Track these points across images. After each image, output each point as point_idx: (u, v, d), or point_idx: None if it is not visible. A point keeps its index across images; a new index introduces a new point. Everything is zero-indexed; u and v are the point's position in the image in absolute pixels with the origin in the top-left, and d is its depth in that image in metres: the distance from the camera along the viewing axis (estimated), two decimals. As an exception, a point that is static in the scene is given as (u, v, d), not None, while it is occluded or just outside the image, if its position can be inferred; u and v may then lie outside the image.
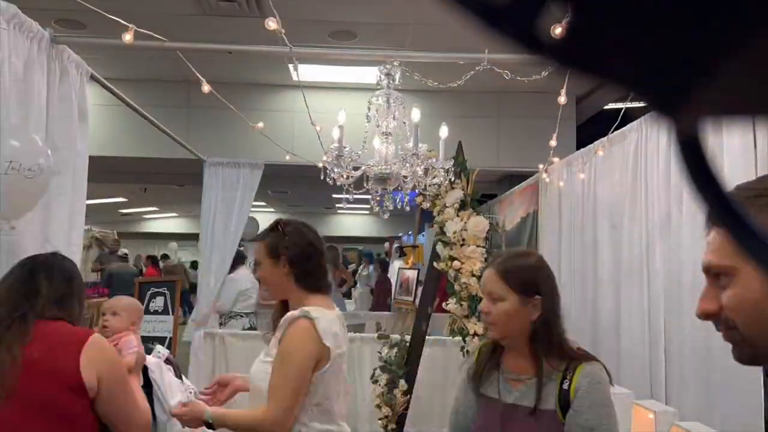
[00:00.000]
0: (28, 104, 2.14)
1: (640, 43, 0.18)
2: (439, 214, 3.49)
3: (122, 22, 2.42)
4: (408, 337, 3.79)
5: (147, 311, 4.72)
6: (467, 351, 3.37)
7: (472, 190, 3.49)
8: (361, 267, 9.43)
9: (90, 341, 1.63)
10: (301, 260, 1.79)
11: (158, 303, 4.74)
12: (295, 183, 9.49)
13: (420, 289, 4.93)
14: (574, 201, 4.10)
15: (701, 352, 2.55)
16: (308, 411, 1.68)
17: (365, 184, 3.25)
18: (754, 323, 0.72)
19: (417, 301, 5.22)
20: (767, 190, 0.65)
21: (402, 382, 3.61)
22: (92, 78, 2.63)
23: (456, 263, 3.38)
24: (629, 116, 3.34)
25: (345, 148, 3.17)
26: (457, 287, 3.38)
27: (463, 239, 3.38)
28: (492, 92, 6.18)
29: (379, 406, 3.62)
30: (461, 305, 3.38)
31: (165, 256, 14.62)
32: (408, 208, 3.41)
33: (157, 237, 17.72)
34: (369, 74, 4.84)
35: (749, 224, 0.19)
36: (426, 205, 3.53)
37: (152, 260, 12.43)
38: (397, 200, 3.26)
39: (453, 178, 3.40)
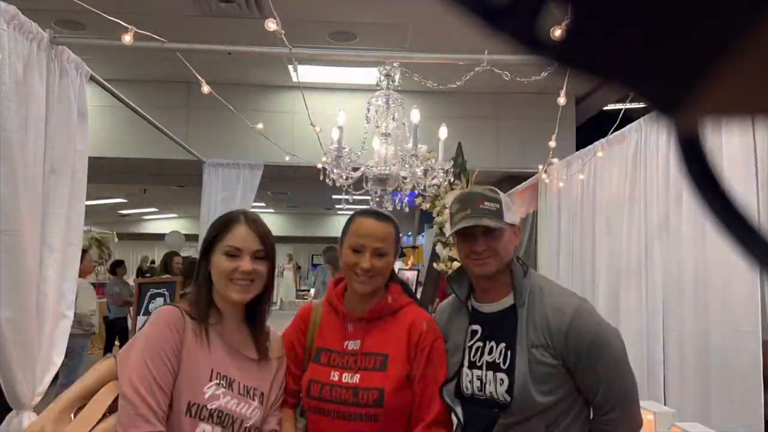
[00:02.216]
0: (27, 105, 2.14)
1: (641, 43, 0.18)
2: (438, 215, 3.50)
3: (122, 23, 2.43)
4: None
5: (146, 312, 4.72)
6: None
7: (471, 191, 3.49)
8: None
9: None
10: None
11: (158, 304, 4.74)
12: (295, 184, 9.49)
13: (420, 289, 4.93)
14: (574, 202, 4.11)
15: (700, 353, 2.55)
16: None
17: (365, 185, 3.26)
18: None
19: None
20: None
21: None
22: (92, 79, 2.63)
23: (455, 264, 3.38)
24: (629, 117, 3.35)
25: (344, 148, 3.17)
26: (456, 288, 3.38)
27: (463, 240, 3.38)
28: (491, 93, 6.19)
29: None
30: (461, 306, 3.38)
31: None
32: (407, 209, 3.41)
33: (157, 238, 17.72)
34: (369, 75, 4.85)
35: (750, 223, 0.19)
36: (425, 205, 3.53)
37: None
38: (397, 201, 3.27)
39: (452, 179, 3.40)
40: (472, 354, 1.59)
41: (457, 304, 1.72)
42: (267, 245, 1.53)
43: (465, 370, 1.60)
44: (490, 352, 1.56)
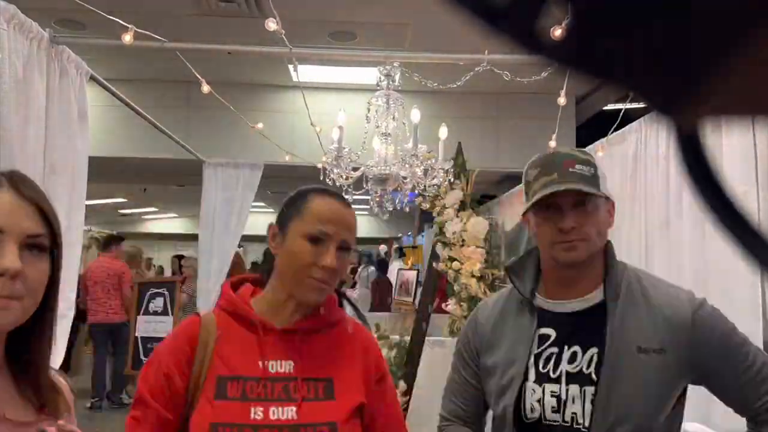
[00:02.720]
0: (27, 105, 2.14)
1: (641, 43, 0.18)
2: (438, 215, 3.50)
3: (122, 22, 2.42)
4: (407, 338, 3.79)
5: (146, 312, 4.73)
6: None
7: (471, 191, 3.49)
8: (361, 267, 9.43)
9: None
10: None
11: (157, 304, 4.75)
12: (295, 183, 9.46)
13: (419, 289, 4.93)
14: (574, 202, 4.10)
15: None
16: None
17: (365, 185, 3.26)
18: None
19: (416, 301, 5.22)
20: None
21: (401, 383, 3.61)
22: (92, 78, 2.63)
23: (456, 264, 3.38)
24: (629, 117, 3.35)
25: (344, 148, 3.17)
26: (456, 288, 3.38)
27: (463, 240, 3.38)
28: (492, 93, 6.18)
29: (378, 407, 3.62)
30: (461, 306, 3.38)
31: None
32: (407, 209, 3.41)
33: (157, 237, 17.72)
34: (369, 75, 4.85)
35: (749, 223, 0.19)
36: (425, 205, 3.53)
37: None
38: (397, 201, 3.27)
39: (452, 179, 3.40)
40: (542, 364, 1.23)
41: (515, 301, 1.32)
42: (53, 226, 0.91)
43: (530, 385, 1.22)
44: (573, 359, 1.20)
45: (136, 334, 4.67)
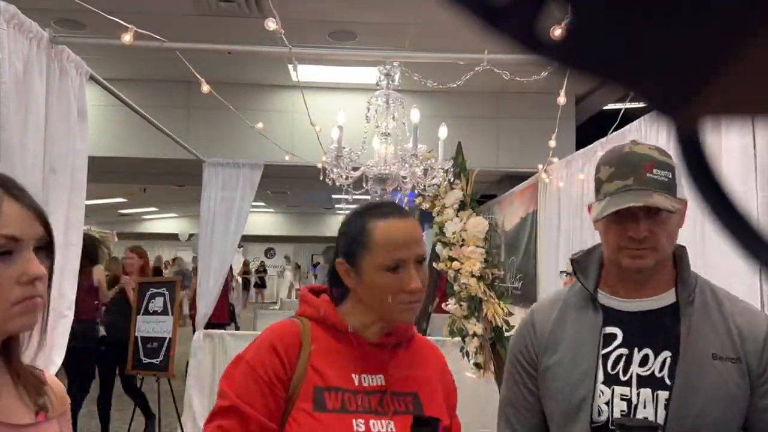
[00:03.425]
0: (27, 104, 2.14)
1: (641, 42, 0.18)
2: (438, 215, 3.49)
3: (122, 22, 2.43)
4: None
5: (146, 311, 4.72)
6: (467, 351, 3.37)
7: (471, 191, 3.49)
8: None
9: None
10: None
11: (158, 303, 4.74)
12: (295, 183, 9.50)
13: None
14: (574, 201, 4.10)
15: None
16: None
17: (364, 185, 3.26)
18: None
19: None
20: None
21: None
22: (91, 78, 2.63)
23: (455, 264, 3.38)
24: (629, 117, 3.35)
25: (344, 148, 3.17)
26: (456, 288, 3.38)
27: (463, 240, 3.38)
28: (491, 93, 6.19)
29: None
30: (461, 306, 3.38)
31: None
32: (407, 209, 3.40)
33: (157, 237, 17.73)
34: (369, 75, 4.86)
35: (749, 223, 0.19)
36: (425, 205, 3.53)
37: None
38: (396, 200, 3.27)
39: (452, 179, 3.40)
40: (611, 365, 1.18)
41: (578, 298, 1.27)
42: (49, 228, 0.97)
43: (598, 386, 1.17)
44: (644, 362, 1.16)
45: (136, 334, 4.67)
